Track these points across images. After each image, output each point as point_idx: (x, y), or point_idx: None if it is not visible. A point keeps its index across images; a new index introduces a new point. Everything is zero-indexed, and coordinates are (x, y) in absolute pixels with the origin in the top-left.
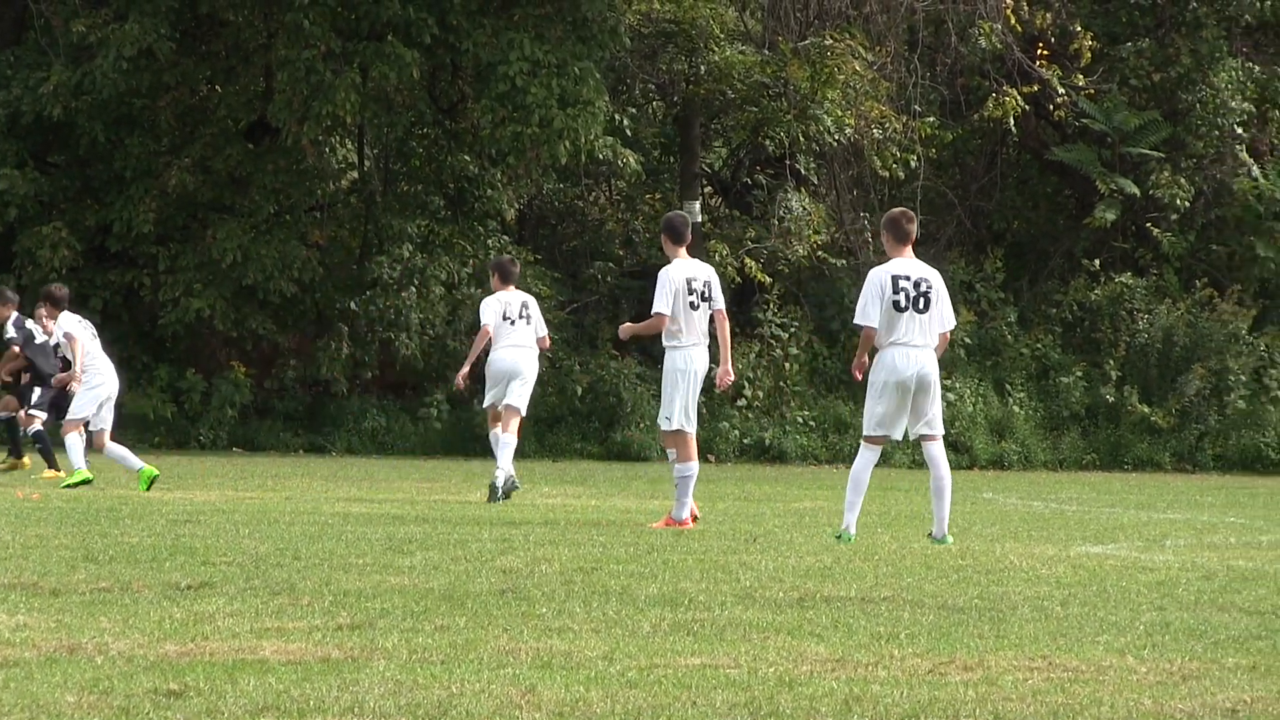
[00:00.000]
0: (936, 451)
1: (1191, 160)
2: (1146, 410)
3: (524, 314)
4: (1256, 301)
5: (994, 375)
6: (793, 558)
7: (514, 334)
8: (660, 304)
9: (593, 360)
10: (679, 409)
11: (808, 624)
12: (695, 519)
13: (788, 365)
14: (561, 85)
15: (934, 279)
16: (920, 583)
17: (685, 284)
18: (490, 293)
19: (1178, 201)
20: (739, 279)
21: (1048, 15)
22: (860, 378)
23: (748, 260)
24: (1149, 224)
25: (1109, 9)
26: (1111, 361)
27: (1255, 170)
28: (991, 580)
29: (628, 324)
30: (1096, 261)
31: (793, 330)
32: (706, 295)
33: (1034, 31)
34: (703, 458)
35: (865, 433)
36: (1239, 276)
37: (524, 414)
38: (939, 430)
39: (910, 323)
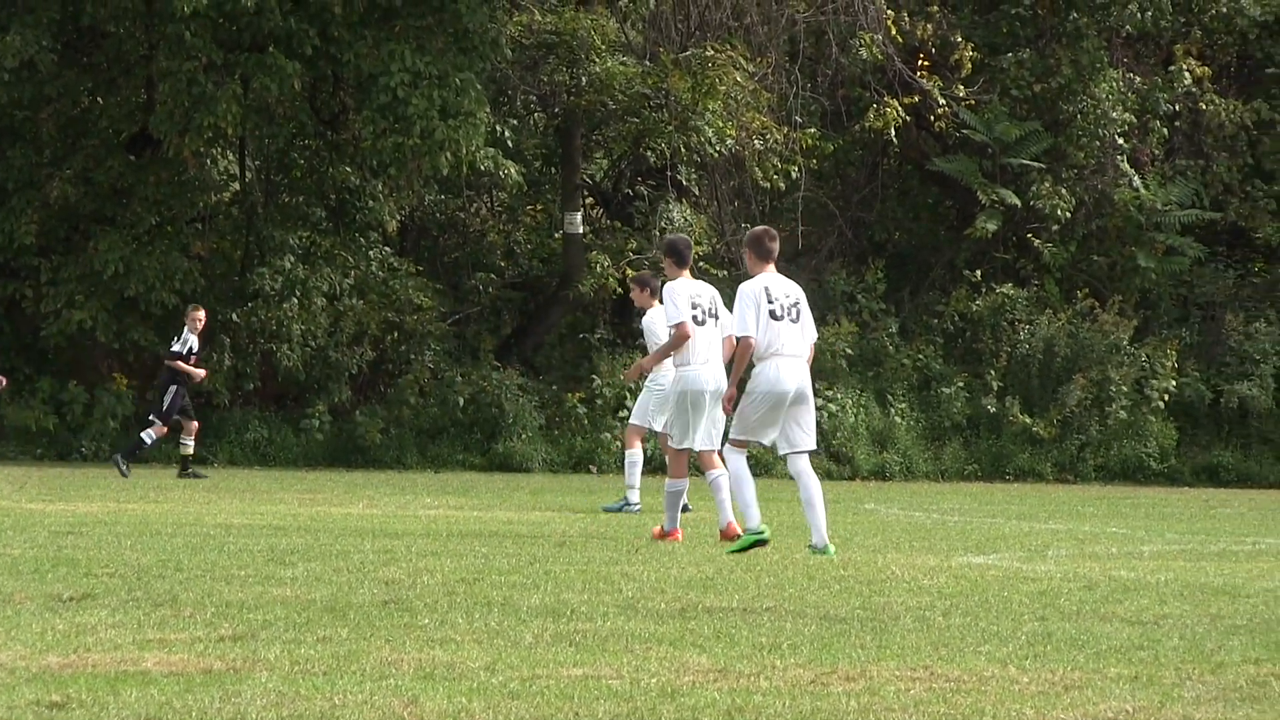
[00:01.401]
0: (804, 465)
1: (1072, 171)
2: (1028, 421)
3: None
4: (1137, 312)
5: (875, 386)
6: (675, 568)
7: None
8: (674, 317)
9: (474, 371)
10: (689, 429)
11: (690, 635)
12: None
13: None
14: (443, 96)
15: (799, 293)
16: (802, 593)
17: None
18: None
19: (1059, 212)
20: (620, 290)
21: (928, 26)
22: (734, 395)
23: (629, 271)
24: (1030, 235)
25: (990, 20)
26: (993, 372)
27: (1136, 181)
28: (874, 591)
29: (642, 361)
30: (978, 272)
31: None
32: (714, 313)
33: (915, 42)
34: (584, 469)
35: (732, 437)
36: (1120, 287)
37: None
38: (811, 444)
39: (787, 333)
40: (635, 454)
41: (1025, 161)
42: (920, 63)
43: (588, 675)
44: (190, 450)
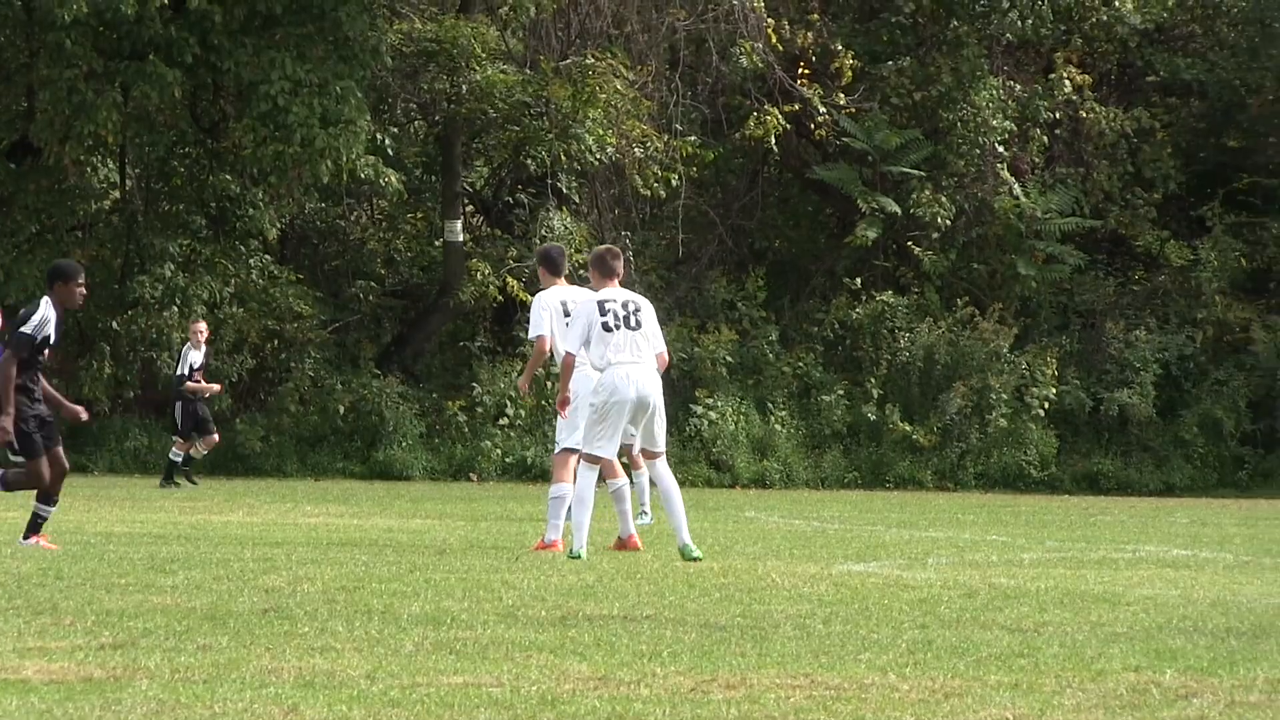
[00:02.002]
0: (662, 467)
1: (952, 179)
2: (908, 428)
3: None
4: (1017, 320)
5: (755, 394)
6: (555, 576)
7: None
8: (534, 330)
9: (355, 379)
10: (571, 429)
11: (570, 642)
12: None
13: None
14: (323, 104)
15: (643, 304)
16: (682, 601)
17: (561, 307)
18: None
19: (939, 220)
20: (501, 298)
21: (809, 34)
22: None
23: (510, 279)
24: (910, 242)
25: (870, 28)
26: (873, 380)
27: (1016, 188)
28: (754, 598)
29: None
30: (858, 280)
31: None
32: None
33: (795, 51)
34: (465, 477)
35: (584, 450)
36: (1000, 295)
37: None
38: (663, 447)
39: (624, 341)
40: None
41: (905, 169)
42: (800, 71)
43: (468, 683)
44: (179, 458)
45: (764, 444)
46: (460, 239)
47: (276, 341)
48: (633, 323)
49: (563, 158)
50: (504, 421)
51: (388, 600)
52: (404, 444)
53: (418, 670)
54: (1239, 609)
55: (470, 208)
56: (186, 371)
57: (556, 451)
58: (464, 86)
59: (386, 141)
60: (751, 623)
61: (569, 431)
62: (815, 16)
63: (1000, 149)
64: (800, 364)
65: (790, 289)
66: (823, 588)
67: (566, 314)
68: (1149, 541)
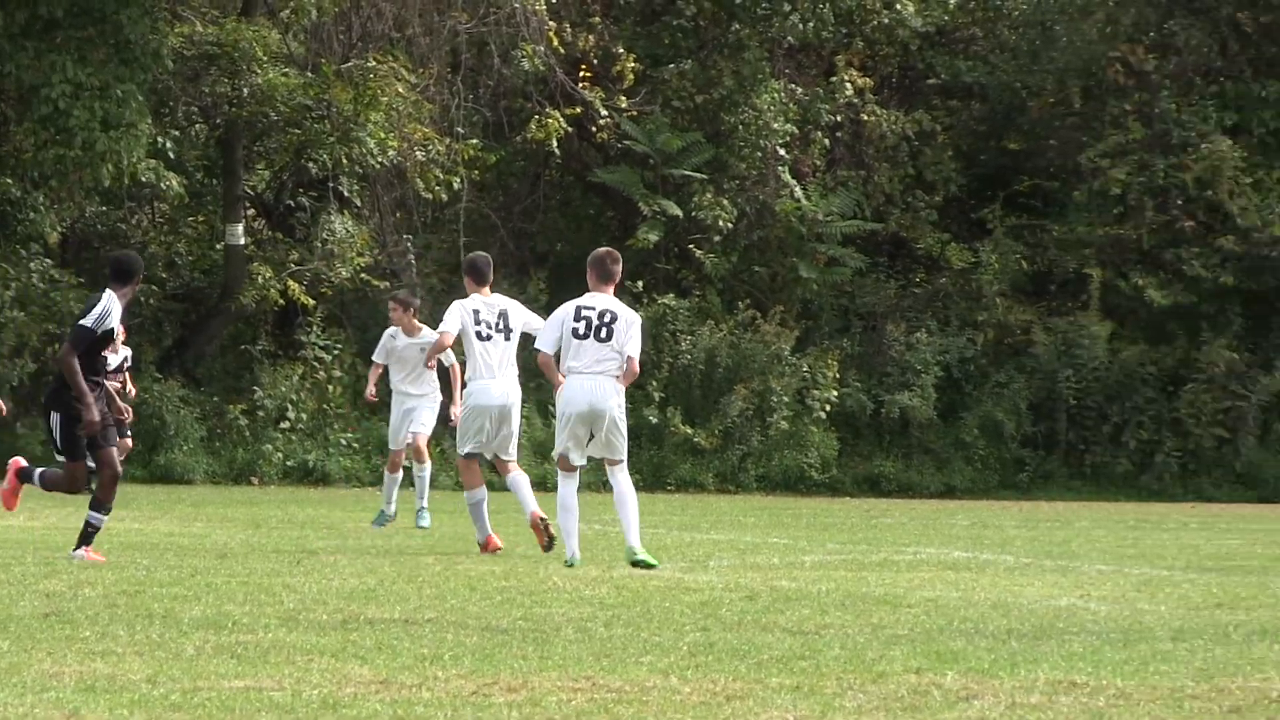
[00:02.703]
0: (621, 475)
1: (734, 181)
2: (689, 431)
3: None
4: (799, 322)
5: (537, 397)
6: (336, 580)
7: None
8: (442, 327)
9: (136, 383)
10: (473, 438)
11: (352, 646)
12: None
13: (331, 388)
14: (104, 108)
15: (621, 313)
16: (464, 604)
17: (473, 314)
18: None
19: (720, 223)
20: (282, 302)
21: (590, 37)
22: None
23: (291, 283)
24: (692, 245)
25: (651, 31)
26: (655, 383)
27: (798, 191)
28: (535, 602)
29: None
30: (640, 283)
31: (336, 353)
32: (501, 328)
33: (577, 53)
34: (246, 480)
35: (555, 454)
36: (781, 297)
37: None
38: (621, 456)
39: (588, 350)
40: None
41: (687, 172)
42: (582, 74)
43: (249, 687)
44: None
45: (546, 447)
46: (241, 242)
47: (58, 345)
48: (603, 334)
49: (344, 161)
50: (285, 425)
51: (169, 604)
52: (185, 448)
53: (199, 674)
54: (1020, 611)
55: (252, 211)
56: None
57: (459, 458)
58: (245, 89)
59: (168, 145)
60: (533, 626)
61: (464, 438)
62: (597, 19)
63: (782, 152)
64: None
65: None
66: (604, 590)
67: (478, 321)
68: (930, 544)
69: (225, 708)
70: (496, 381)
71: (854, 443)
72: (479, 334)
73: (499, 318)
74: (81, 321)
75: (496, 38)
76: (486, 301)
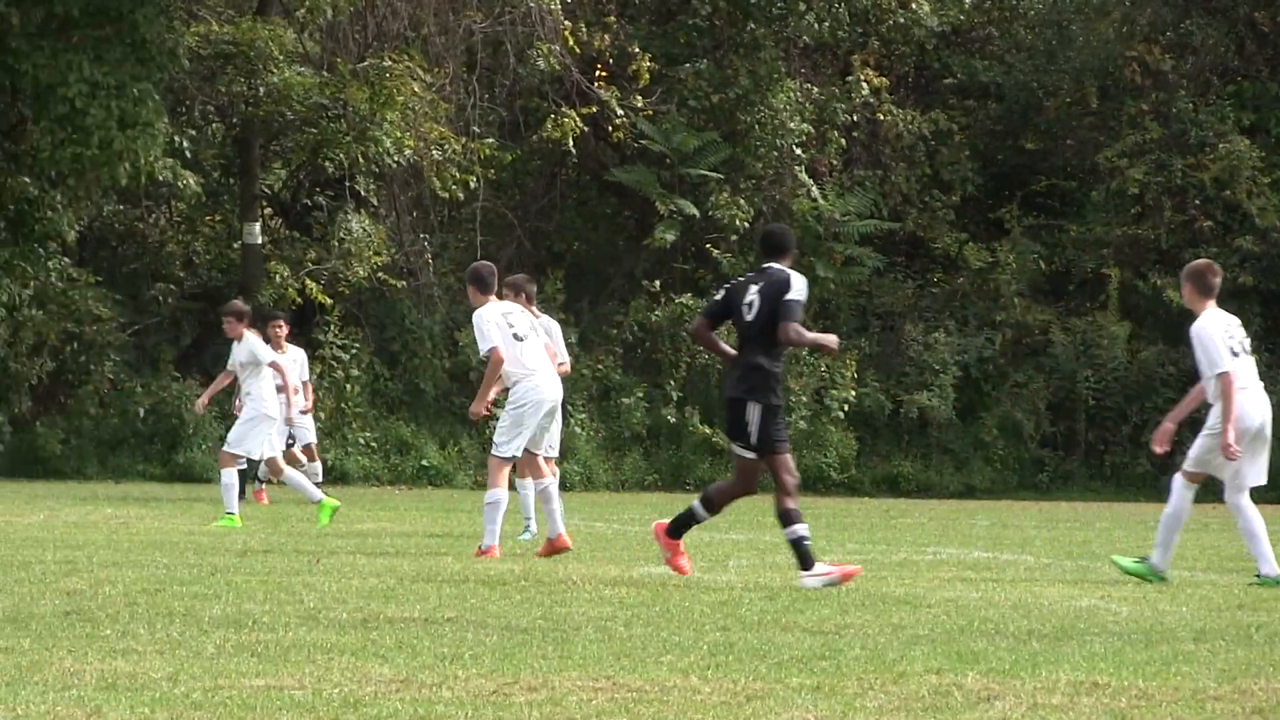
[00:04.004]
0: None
1: (751, 181)
2: (708, 431)
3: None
4: (816, 322)
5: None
6: (356, 579)
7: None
8: (485, 344)
9: (154, 382)
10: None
11: (372, 645)
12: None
13: (349, 387)
14: (121, 107)
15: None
16: (484, 603)
17: (504, 318)
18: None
19: (737, 222)
20: (300, 300)
21: (606, 37)
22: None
23: (308, 282)
24: (709, 245)
25: (667, 30)
26: (673, 382)
27: (814, 191)
28: (555, 601)
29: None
30: (657, 282)
31: (354, 352)
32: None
33: (592, 53)
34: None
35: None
36: None
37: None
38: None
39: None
40: (524, 484)
41: (703, 172)
42: (598, 73)
43: (270, 686)
44: None
45: (564, 446)
46: (259, 241)
47: (76, 344)
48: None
49: (360, 160)
50: None
51: (189, 603)
52: (204, 447)
53: (220, 673)
54: (1040, 611)
55: (268, 210)
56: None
57: (495, 458)
58: (261, 89)
59: (184, 144)
60: (553, 625)
61: (514, 438)
62: (612, 19)
63: (798, 151)
64: (600, 367)
65: (589, 291)
66: (624, 590)
67: (511, 325)
68: (950, 544)
69: (246, 706)
70: (544, 377)
71: (873, 442)
72: (516, 336)
73: (526, 317)
74: (789, 296)
75: (512, 37)
76: (506, 307)
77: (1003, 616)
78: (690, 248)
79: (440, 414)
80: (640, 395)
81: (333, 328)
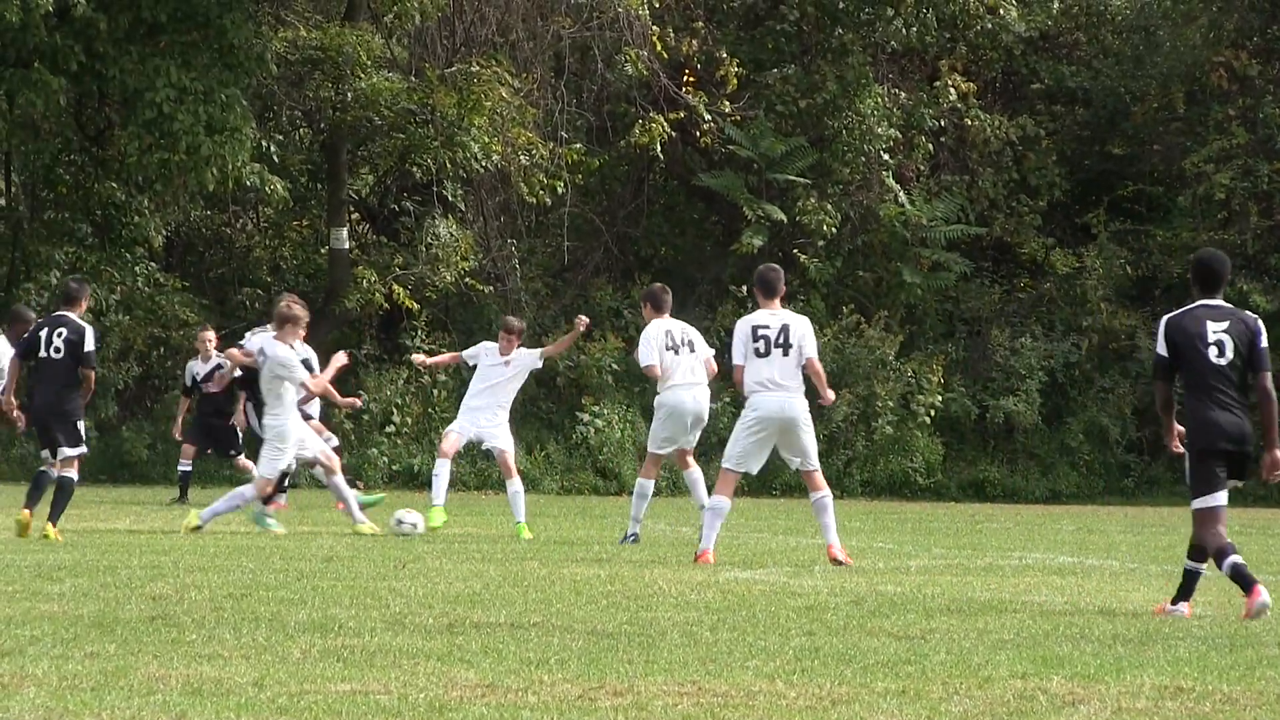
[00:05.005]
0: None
1: (838, 186)
2: None
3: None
4: (903, 327)
5: (642, 401)
6: (442, 584)
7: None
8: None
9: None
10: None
11: (458, 650)
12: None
13: (436, 392)
14: (208, 112)
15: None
16: (570, 608)
17: (665, 335)
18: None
19: (824, 227)
20: (387, 305)
21: (694, 42)
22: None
23: (396, 287)
24: (796, 250)
25: (755, 36)
26: None
27: (901, 196)
28: (640, 606)
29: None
30: (744, 288)
31: None
32: (687, 343)
33: (680, 58)
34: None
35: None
36: (885, 302)
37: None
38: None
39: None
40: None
41: (791, 177)
42: (686, 78)
43: (355, 691)
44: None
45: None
46: (346, 246)
47: (163, 349)
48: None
49: (448, 165)
50: (390, 429)
51: (275, 608)
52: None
53: (305, 678)
54: (1125, 616)
55: (356, 215)
56: (190, 383)
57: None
58: (349, 94)
59: (272, 149)
60: (639, 630)
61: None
62: (700, 24)
63: (885, 156)
64: None
65: (676, 297)
66: (710, 595)
67: (670, 341)
68: (1035, 549)
69: (332, 711)
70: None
71: (959, 448)
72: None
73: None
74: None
75: (600, 42)
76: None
77: (1087, 621)
78: (777, 253)
79: (527, 419)
80: (727, 400)
81: (420, 333)
